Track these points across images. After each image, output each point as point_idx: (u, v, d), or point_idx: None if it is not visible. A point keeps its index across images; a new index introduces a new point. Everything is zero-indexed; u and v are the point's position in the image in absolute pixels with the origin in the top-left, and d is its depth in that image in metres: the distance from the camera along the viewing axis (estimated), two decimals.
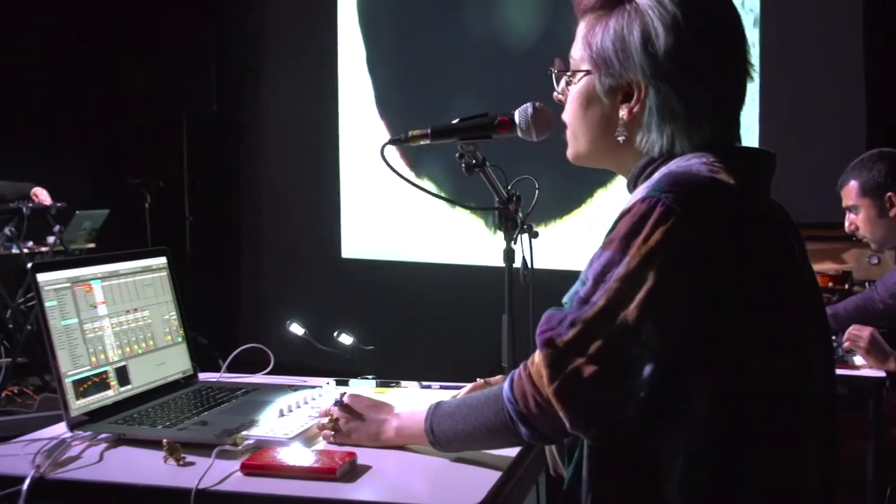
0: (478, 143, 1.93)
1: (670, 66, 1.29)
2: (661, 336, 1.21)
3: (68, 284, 1.78)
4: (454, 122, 1.91)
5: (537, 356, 1.28)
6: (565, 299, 1.29)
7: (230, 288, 7.07)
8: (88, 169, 6.62)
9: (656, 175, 1.30)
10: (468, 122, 1.90)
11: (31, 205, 5.48)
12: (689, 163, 1.29)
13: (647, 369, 1.21)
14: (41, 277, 1.73)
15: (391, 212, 6.06)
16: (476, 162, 1.93)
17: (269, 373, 2.17)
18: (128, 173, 6.33)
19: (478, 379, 1.78)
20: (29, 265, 1.75)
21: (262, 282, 6.98)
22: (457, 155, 1.95)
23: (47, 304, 1.72)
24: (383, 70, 6.24)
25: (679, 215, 1.20)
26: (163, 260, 2.07)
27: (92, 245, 5.93)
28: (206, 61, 6.46)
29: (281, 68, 6.72)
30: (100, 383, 1.78)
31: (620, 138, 1.35)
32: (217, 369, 2.20)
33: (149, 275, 2.01)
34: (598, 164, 1.43)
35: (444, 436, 1.46)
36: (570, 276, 1.31)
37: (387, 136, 1.98)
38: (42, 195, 5.71)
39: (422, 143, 1.93)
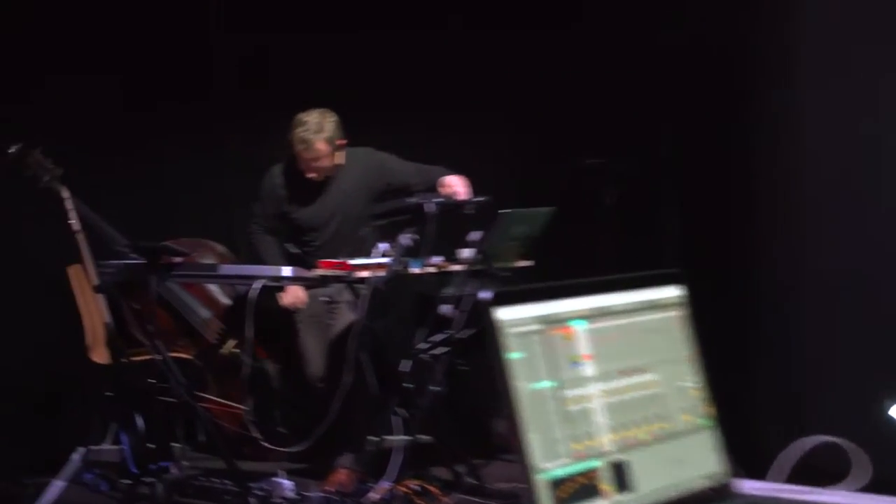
0: None
1: None
2: None
3: (540, 327, 1.73)
4: None
5: None
6: None
7: (750, 333, 6.71)
8: (523, 149, 6.82)
9: None
10: None
11: (438, 199, 5.39)
12: None
13: None
14: (500, 314, 1.67)
15: None
16: None
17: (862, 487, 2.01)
18: (578, 154, 6.26)
19: None
20: (481, 294, 1.68)
21: (803, 328, 6.49)
22: None
23: (510, 355, 1.66)
24: None
25: None
26: (674, 292, 2.02)
27: (527, 262, 5.73)
28: None
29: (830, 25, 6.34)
30: (588, 486, 1.69)
31: None
32: None
33: (655, 314, 1.95)
34: None
35: None
36: None
37: None
38: (456, 185, 5.69)
39: None
